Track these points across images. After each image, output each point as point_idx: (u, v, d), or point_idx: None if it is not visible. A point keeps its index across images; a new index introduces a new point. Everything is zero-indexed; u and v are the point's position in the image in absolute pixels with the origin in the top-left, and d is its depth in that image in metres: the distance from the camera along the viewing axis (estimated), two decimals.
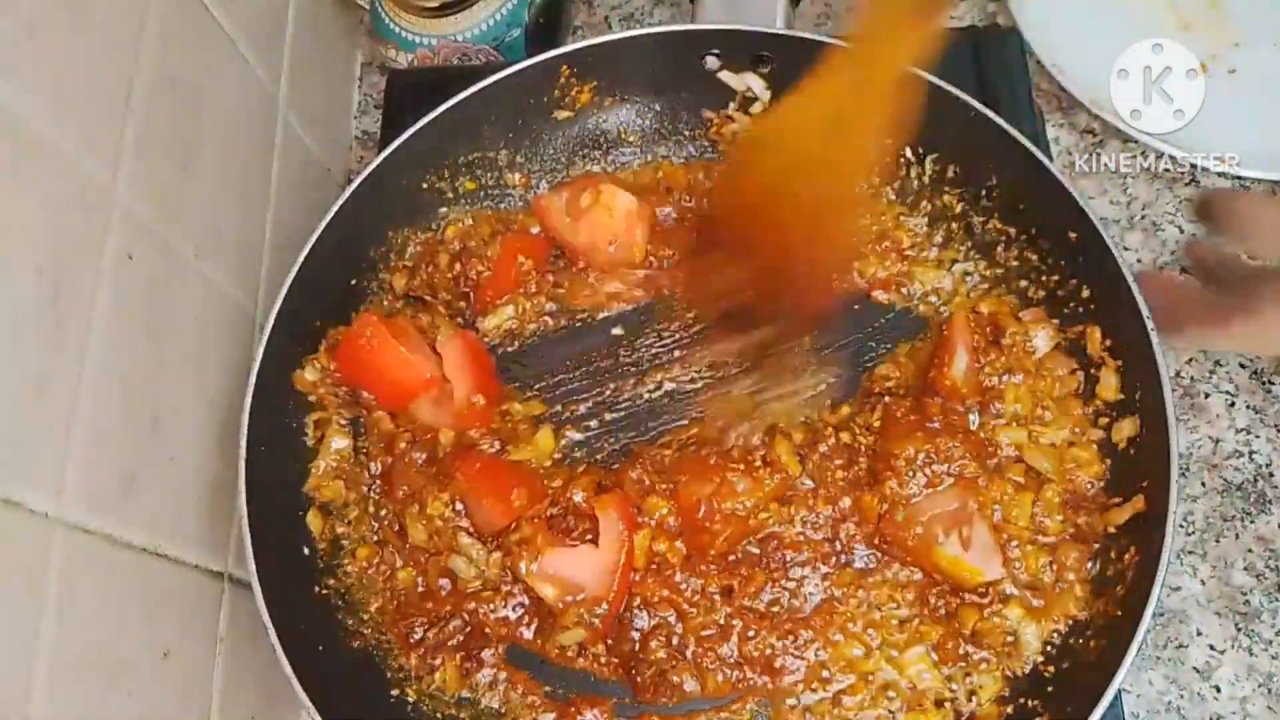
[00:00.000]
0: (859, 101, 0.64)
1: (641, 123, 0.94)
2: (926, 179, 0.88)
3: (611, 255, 0.89)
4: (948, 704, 0.75)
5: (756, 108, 0.91)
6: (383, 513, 0.82)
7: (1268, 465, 0.88)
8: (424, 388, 0.82)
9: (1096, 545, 0.76)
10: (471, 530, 0.80)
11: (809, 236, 0.69)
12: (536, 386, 0.87)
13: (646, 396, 0.86)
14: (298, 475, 0.82)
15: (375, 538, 0.82)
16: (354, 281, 0.88)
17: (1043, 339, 0.81)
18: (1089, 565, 0.76)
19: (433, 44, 1.01)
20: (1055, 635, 0.75)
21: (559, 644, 0.78)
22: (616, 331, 0.89)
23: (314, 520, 0.81)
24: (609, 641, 0.78)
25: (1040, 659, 0.75)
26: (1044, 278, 0.84)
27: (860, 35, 0.63)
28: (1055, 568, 0.76)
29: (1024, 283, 0.85)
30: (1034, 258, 0.84)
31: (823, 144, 0.66)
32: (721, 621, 0.77)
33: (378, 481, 0.83)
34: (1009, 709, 0.75)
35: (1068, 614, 0.75)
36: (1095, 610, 0.74)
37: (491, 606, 0.79)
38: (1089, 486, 0.78)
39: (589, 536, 0.77)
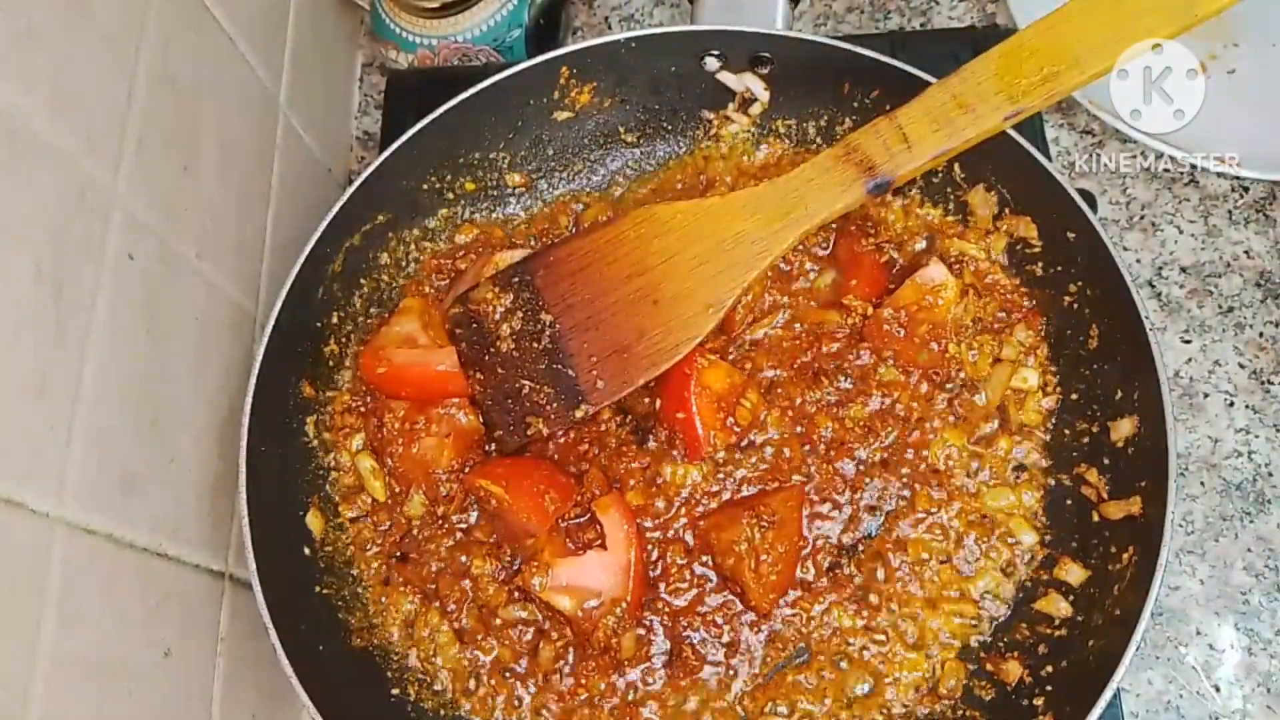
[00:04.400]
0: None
1: (641, 123, 0.94)
2: (926, 179, 0.88)
3: None
4: None
5: (755, 108, 0.91)
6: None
7: (1267, 465, 0.88)
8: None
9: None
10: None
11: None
12: None
13: None
14: (298, 475, 0.82)
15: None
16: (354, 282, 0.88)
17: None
18: None
19: (433, 44, 1.01)
20: None
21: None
22: None
23: (314, 520, 0.81)
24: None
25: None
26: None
27: None
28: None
29: None
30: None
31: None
32: None
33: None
34: (1008, 707, 0.75)
35: None
36: (1093, 604, 0.75)
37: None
38: None
39: (597, 542, 0.77)
